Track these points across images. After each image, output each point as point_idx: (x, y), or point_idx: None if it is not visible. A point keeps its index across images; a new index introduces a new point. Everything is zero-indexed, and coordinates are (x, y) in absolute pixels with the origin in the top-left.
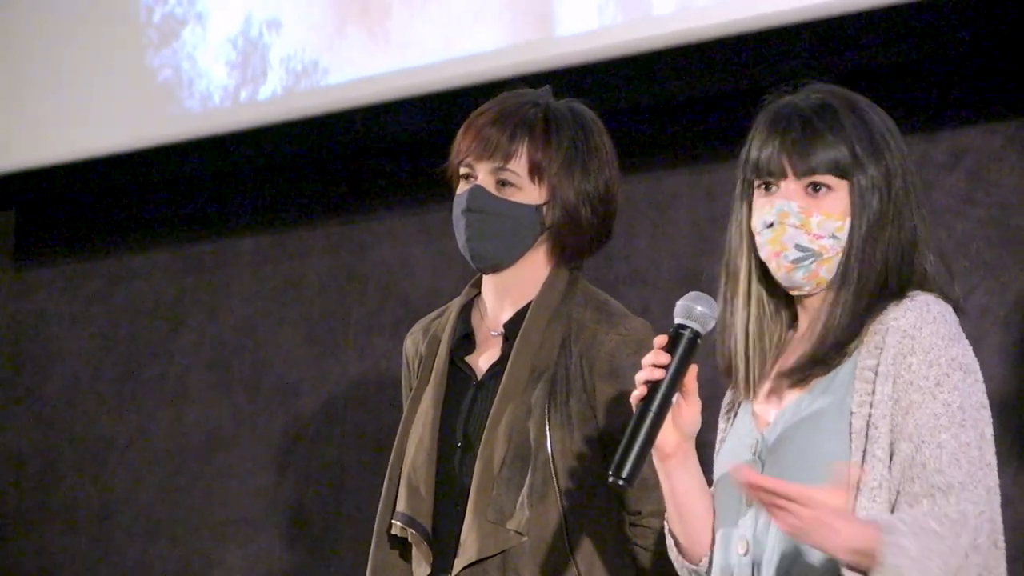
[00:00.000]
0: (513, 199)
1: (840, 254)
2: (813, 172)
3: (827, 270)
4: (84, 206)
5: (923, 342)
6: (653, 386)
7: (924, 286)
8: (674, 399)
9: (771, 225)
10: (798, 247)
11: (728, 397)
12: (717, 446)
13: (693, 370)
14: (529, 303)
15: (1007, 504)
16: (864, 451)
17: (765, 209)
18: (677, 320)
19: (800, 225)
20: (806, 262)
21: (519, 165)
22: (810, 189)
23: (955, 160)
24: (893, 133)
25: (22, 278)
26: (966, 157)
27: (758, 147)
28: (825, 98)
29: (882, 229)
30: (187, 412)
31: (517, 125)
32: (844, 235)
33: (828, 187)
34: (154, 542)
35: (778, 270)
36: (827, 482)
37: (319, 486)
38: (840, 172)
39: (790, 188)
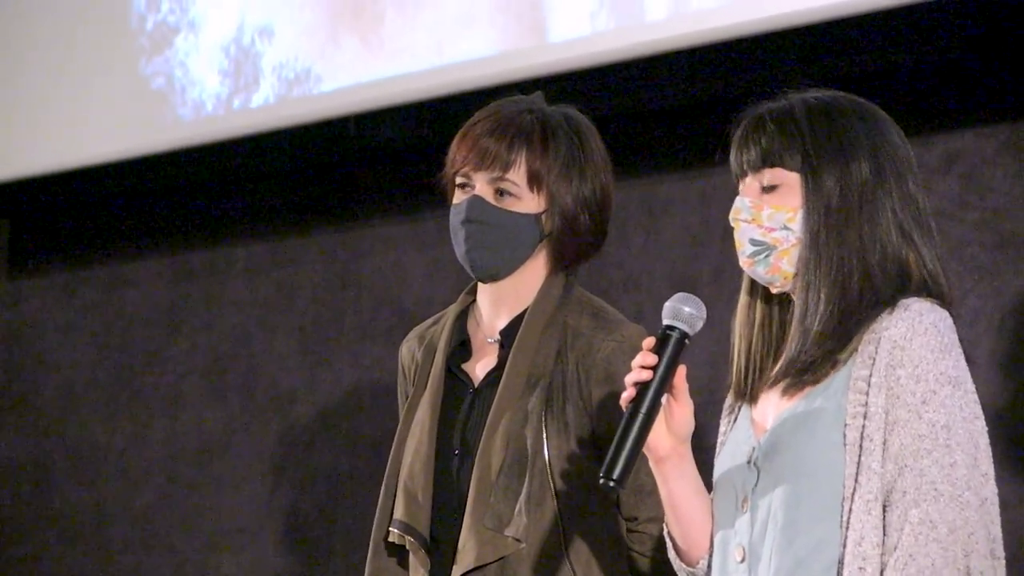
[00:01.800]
0: (513, 209)
1: (798, 245)
2: (763, 168)
3: (788, 262)
4: (78, 214)
5: (912, 355)
6: (642, 388)
7: (919, 291)
8: (664, 400)
9: (731, 225)
10: (752, 241)
11: (729, 399)
12: (718, 448)
13: (682, 371)
14: (525, 310)
15: (1002, 510)
16: (859, 463)
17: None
18: (665, 321)
19: (751, 220)
20: (762, 256)
21: (518, 175)
22: (764, 184)
23: (948, 164)
24: (873, 131)
25: (16, 286)
26: (959, 161)
27: (731, 152)
28: (790, 99)
29: (845, 223)
30: (181, 420)
31: (515, 135)
32: (797, 226)
33: (780, 181)
34: (149, 550)
35: (744, 268)
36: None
37: (313, 494)
38: (791, 166)
39: (750, 186)
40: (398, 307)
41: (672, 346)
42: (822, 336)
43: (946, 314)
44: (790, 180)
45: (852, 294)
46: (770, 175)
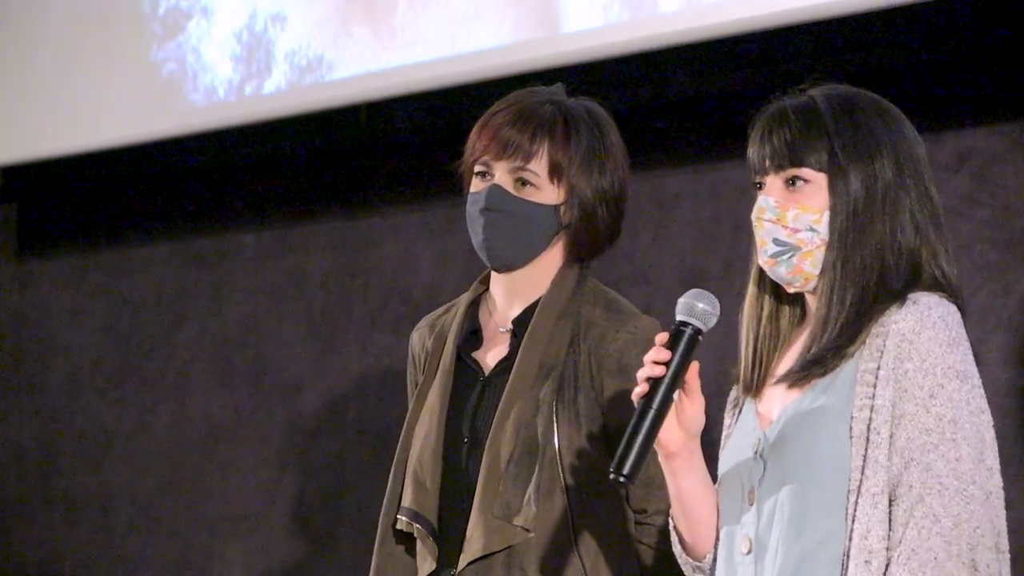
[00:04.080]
0: (532, 199)
1: (823, 247)
2: (788, 166)
3: (811, 264)
4: (87, 199)
5: (920, 348)
6: (654, 383)
7: (929, 287)
8: (676, 396)
9: (754, 224)
10: (776, 241)
11: (733, 393)
12: (722, 442)
13: (694, 367)
14: (538, 300)
15: (1008, 507)
16: (865, 456)
17: (754, 207)
18: (679, 317)
19: (776, 220)
20: (785, 256)
21: (539, 165)
22: (788, 183)
23: (959, 162)
24: (892, 128)
25: (24, 270)
26: (970, 159)
27: (750, 147)
28: (813, 95)
29: (869, 223)
30: (188, 406)
31: (538, 125)
32: (823, 228)
33: (805, 181)
34: (154, 535)
35: (765, 267)
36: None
37: (319, 481)
38: (817, 165)
39: (772, 185)
40: (407, 296)
41: (685, 342)
42: (834, 329)
43: (954, 308)
44: (816, 179)
45: (870, 292)
46: (795, 174)
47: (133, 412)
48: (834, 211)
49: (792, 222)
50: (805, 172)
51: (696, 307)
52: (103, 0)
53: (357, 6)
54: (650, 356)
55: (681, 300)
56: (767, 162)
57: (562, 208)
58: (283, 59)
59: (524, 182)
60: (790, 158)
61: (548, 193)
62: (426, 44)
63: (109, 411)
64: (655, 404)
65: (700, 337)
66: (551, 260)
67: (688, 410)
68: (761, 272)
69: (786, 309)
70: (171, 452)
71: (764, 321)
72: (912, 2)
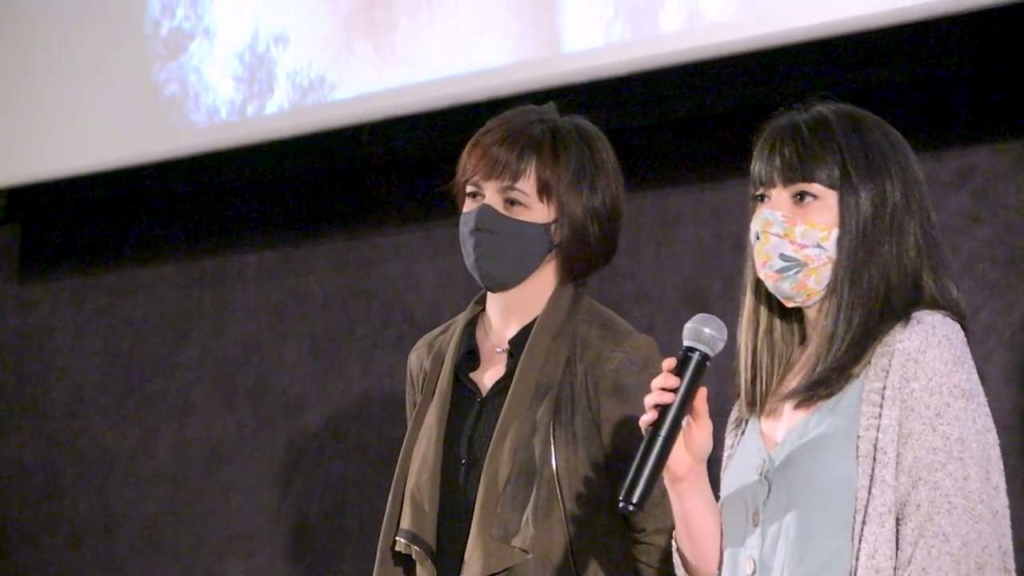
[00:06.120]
0: (522, 218)
1: (828, 264)
2: (798, 181)
3: (816, 280)
4: (89, 219)
5: (926, 367)
6: (663, 410)
7: (931, 305)
8: (684, 422)
9: (758, 236)
10: (782, 256)
11: (735, 413)
12: (724, 463)
13: (703, 393)
14: (534, 320)
15: (1013, 524)
16: (872, 476)
17: (755, 220)
18: (686, 343)
19: (784, 234)
20: (791, 272)
21: (528, 184)
22: (797, 198)
23: (961, 179)
24: (898, 150)
25: (26, 291)
26: (973, 176)
27: (755, 160)
28: (823, 111)
29: (877, 243)
30: (190, 426)
31: (525, 144)
32: (831, 245)
33: (815, 196)
34: (156, 556)
35: (767, 280)
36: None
37: (322, 501)
38: (828, 182)
39: (779, 198)
40: (409, 316)
41: (693, 368)
42: (839, 350)
43: (958, 327)
44: (825, 196)
45: (875, 312)
46: (804, 189)
47: (135, 433)
48: (843, 229)
49: (800, 237)
50: (815, 188)
51: (703, 332)
52: (105, 21)
53: (359, 26)
54: (658, 382)
55: (688, 325)
56: (775, 175)
57: (552, 227)
58: (285, 79)
59: (513, 201)
60: (801, 172)
61: (538, 212)
62: (428, 64)
63: (111, 432)
64: (663, 431)
65: (707, 362)
66: (545, 279)
67: (696, 435)
68: (757, 284)
69: (780, 324)
70: (173, 473)
71: (761, 335)
72: (913, 20)
